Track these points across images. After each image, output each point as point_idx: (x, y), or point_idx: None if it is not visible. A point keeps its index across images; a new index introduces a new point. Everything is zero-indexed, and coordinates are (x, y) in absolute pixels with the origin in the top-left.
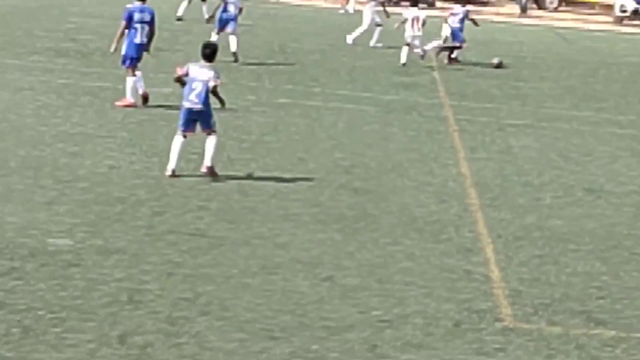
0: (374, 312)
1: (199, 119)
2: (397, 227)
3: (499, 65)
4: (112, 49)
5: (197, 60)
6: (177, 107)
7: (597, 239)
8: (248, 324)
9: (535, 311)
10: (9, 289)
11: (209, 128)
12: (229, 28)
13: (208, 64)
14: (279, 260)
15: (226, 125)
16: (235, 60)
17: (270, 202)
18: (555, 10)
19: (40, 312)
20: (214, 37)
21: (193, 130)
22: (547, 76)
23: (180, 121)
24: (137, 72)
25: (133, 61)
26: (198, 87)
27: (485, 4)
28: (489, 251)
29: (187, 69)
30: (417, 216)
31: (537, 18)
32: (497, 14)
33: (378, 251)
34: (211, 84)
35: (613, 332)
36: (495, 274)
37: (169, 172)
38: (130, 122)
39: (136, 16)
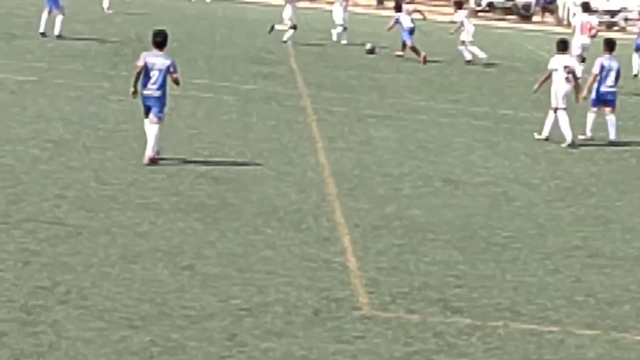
0: (234, 301)
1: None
2: (257, 217)
3: (371, 51)
4: None
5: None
6: (32, 95)
7: (455, 228)
8: (107, 312)
9: (394, 299)
10: None
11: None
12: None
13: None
14: (139, 249)
15: (82, 113)
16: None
17: (129, 191)
18: (412, 2)
19: None
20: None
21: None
22: (404, 68)
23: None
24: None
25: None
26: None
27: None
28: (347, 241)
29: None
30: (277, 205)
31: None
32: (355, 4)
33: (239, 240)
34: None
35: (469, 320)
36: (353, 263)
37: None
38: None
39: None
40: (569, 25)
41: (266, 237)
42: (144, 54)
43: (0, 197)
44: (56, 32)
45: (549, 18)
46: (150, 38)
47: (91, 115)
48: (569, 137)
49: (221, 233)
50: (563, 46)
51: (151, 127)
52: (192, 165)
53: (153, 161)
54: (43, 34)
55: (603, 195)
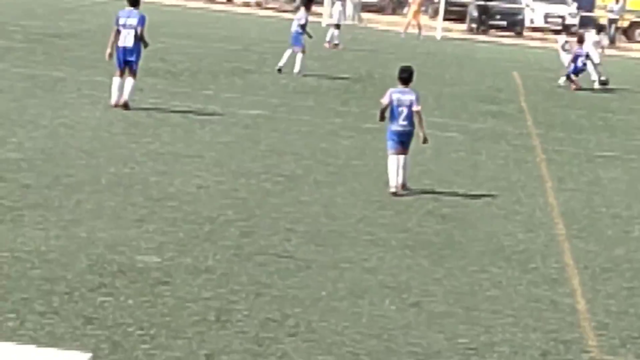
0: (461, 340)
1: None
2: (484, 255)
3: (605, 83)
4: (107, 56)
5: None
6: (265, 130)
7: None
8: (335, 346)
9: (623, 344)
10: (98, 305)
11: None
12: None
13: None
14: (366, 284)
15: (313, 148)
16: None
17: (357, 226)
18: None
19: (129, 329)
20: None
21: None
22: (636, 108)
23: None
24: (129, 78)
25: (120, 64)
26: None
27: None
28: (576, 282)
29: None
30: (505, 245)
31: (625, 50)
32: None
33: (465, 278)
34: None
35: None
36: (582, 305)
37: None
38: (218, 143)
39: (121, 20)
40: None
41: (492, 276)
42: (390, 91)
43: (233, 230)
44: (296, 70)
45: None
46: (393, 73)
47: (322, 150)
48: None
49: (447, 271)
50: None
51: (402, 160)
52: (420, 203)
53: (403, 187)
54: (279, 70)
55: None
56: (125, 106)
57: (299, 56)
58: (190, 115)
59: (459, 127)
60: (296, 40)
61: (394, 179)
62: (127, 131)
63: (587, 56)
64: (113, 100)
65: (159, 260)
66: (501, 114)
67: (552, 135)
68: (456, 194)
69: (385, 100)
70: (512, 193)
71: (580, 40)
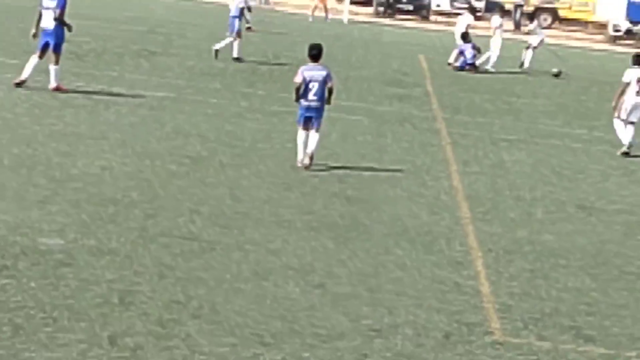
0: (365, 321)
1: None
2: (388, 237)
3: (557, 75)
4: (31, 35)
5: None
6: (171, 111)
7: (587, 255)
8: (239, 328)
9: (525, 325)
10: (0, 287)
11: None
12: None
13: None
14: (270, 266)
15: (219, 131)
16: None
17: (263, 208)
18: (549, 27)
19: (31, 312)
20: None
21: None
22: (540, 92)
23: None
24: (51, 65)
25: (41, 45)
26: None
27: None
28: (479, 264)
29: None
30: (409, 227)
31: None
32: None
33: (369, 260)
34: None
35: (602, 349)
36: (486, 287)
37: None
38: (123, 124)
39: (44, 1)
40: None
41: (397, 258)
42: (301, 69)
43: (137, 211)
44: (234, 54)
45: None
46: (300, 56)
47: (228, 132)
48: (625, 142)
49: (352, 252)
50: (637, 60)
51: (313, 136)
52: (325, 185)
53: (311, 160)
54: (236, 59)
55: None
56: (57, 89)
57: (236, 42)
58: (94, 96)
59: (365, 110)
60: (232, 25)
61: (301, 153)
62: (30, 112)
63: (474, 47)
64: (23, 76)
65: (62, 242)
66: (407, 97)
67: (457, 118)
68: (362, 177)
69: (298, 79)
70: (417, 176)
71: (464, 37)
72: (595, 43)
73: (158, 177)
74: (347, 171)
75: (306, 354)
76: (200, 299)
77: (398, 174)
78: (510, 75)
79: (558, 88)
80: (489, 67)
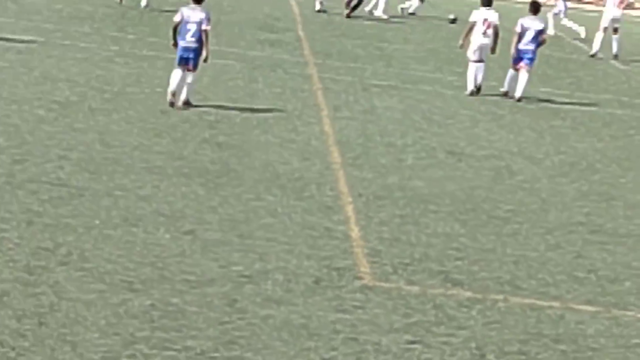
0: (235, 267)
1: None
2: (259, 183)
3: (453, 21)
4: None
5: None
6: (39, 56)
7: (457, 201)
8: (108, 275)
9: (395, 270)
10: None
11: None
12: None
13: None
14: (140, 212)
15: (88, 75)
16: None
17: (132, 154)
18: None
19: None
20: None
21: None
22: (412, 38)
23: None
24: None
25: None
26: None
27: None
28: (350, 210)
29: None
30: (280, 173)
31: None
32: None
33: (240, 206)
34: None
35: (469, 293)
36: (356, 232)
37: None
38: None
39: None
40: None
41: (268, 204)
42: (181, 9)
43: (4, 157)
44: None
45: None
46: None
47: (97, 77)
48: (470, 86)
49: (223, 199)
50: (487, 1)
51: (189, 75)
52: (196, 130)
53: (187, 103)
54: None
55: (607, 171)
56: None
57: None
58: None
59: (236, 55)
60: None
61: (173, 87)
62: None
63: None
64: None
65: None
66: (279, 42)
67: (328, 64)
68: (233, 122)
69: (177, 18)
70: (288, 121)
71: None
72: None
73: (26, 122)
74: (218, 117)
75: (175, 300)
76: (68, 245)
77: (269, 119)
78: (382, 22)
79: (429, 34)
80: (378, 12)
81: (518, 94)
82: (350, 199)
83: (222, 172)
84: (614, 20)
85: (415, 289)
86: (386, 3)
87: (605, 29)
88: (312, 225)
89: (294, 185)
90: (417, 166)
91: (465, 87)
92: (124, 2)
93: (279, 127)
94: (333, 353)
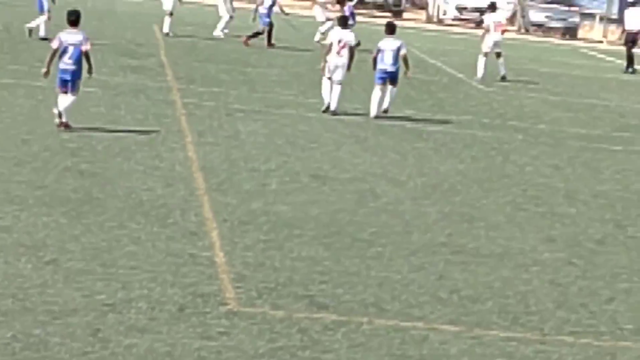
0: (98, 296)
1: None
2: (123, 211)
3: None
4: None
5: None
6: None
7: (321, 224)
8: None
9: (260, 295)
10: None
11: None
12: None
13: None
14: (1, 243)
15: None
16: None
17: None
18: None
19: None
20: None
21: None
22: (275, 63)
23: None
24: None
25: None
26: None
27: None
28: (215, 235)
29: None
30: (144, 200)
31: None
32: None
33: (103, 235)
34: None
35: (334, 316)
36: (221, 258)
37: None
38: None
39: None
40: (439, 21)
41: (131, 232)
42: (59, 34)
43: None
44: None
45: (420, 15)
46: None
47: None
48: (325, 101)
49: (85, 227)
50: (344, 21)
51: (68, 97)
52: (58, 158)
53: (67, 126)
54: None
55: (468, 192)
56: None
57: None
58: None
59: (98, 81)
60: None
61: (58, 108)
62: None
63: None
64: None
65: None
66: (141, 68)
67: (192, 89)
68: (95, 150)
69: (54, 44)
70: (151, 148)
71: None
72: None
73: None
74: (80, 144)
75: (37, 331)
76: None
77: (132, 146)
78: (245, 47)
79: (292, 58)
80: (217, 32)
81: (374, 111)
82: (215, 225)
83: (85, 200)
84: (495, 44)
85: (280, 313)
86: (227, 23)
87: (487, 53)
88: (177, 252)
89: (157, 212)
90: (281, 191)
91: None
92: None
93: (142, 154)
94: None
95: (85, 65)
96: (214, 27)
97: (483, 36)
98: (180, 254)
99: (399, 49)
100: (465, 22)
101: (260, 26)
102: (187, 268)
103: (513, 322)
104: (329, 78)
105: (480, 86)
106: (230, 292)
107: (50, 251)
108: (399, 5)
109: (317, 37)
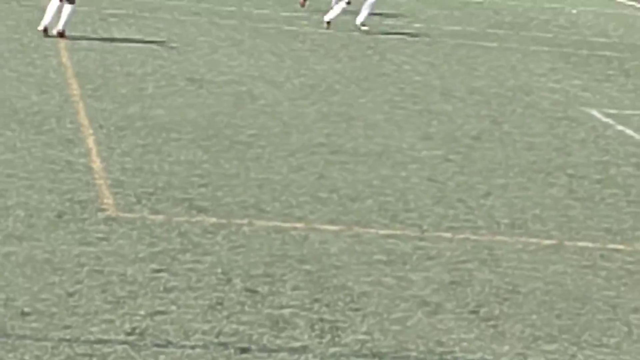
0: None
1: None
2: None
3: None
4: None
5: None
6: None
7: (199, 127)
8: None
9: (138, 200)
10: None
11: None
12: None
13: None
14: None
15: None
16: None
17: None
18: None
19: None
20: None
21: None
22: None
23: None
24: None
25: None
26: None
27: None
28: (91, 142)
29: None
30: (18, 107)
31: None
32: None
33: None
34: None
35: (214, 219)
36: (98, 164)
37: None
38: None
39: None
40: None
41: (6, 140)
42: None
43: None
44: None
45: None
46: None
47: None
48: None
49: None
50: None
51: (66, 7)
52: None
53: (62, 34)
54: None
55: (346, 92)
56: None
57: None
58: None
59: None
60: None
61: (47, 20)
62: None
63: None
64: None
65: None
66: None
67: None
68: None
69: None
70: (25, 55)
71: None
72: None
73: None
74: None
75: None
76: None
77: (5, 53)
78: None
79: None
80: None
81: None
82: (91, 131)
83: None
84: None
85: (159, 217)
86: None
87: None
88: (53, 159)
89: (32, 119)
90: (158, 95)
91: None
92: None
93: (16, 61)
94: (78, 286)
95: None
96: None
97: None
98: (57, 161)
99: None
100: None
101: None
102: (64, 175)
103: (392, 220)
104: None
105: None
106: (108, 197)
107: None
108: None
109: None
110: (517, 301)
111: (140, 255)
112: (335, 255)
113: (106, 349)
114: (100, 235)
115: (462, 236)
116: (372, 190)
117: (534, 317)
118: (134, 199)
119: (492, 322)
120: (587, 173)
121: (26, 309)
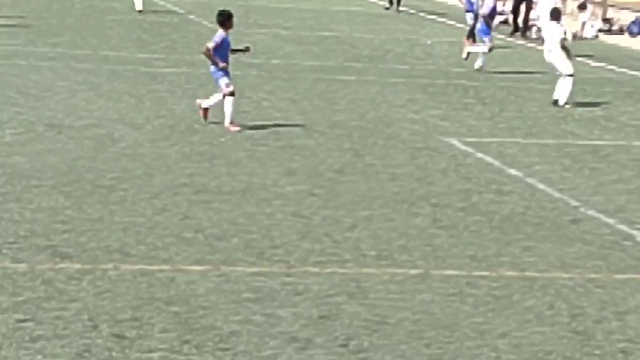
0: None
1: None
2: None
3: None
4: None
5: None
6: None
7: (60, 173)
8: None
9: (0, 250)
10: None
11: None
12: None
13: None
14: None
15: None
16: None
17: None
18: None
19: None
20: None
21: None
22: None
23: None
24: None
25: None
26: None
27: None
28: None
29: None
30: None
31: None
32: None
33: None
34: None
35: (78, 265)
36: None
37: None
38: None
39: None
40: None
41: None
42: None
43: None
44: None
45: None
46: None
47: None
48: None
49: None
50: None
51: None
52: None
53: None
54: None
55: (206, 131)
56: None
57: None
58: None
59: None
60: None
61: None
62: None
63: None
64: None
65: None
66: None
67: None
68: None
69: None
70: None
71: None
72: None
73: None
74: None
75: None
76: None
77: None
78: None
79: (18, 7)
80: None
81: None
82: None
83: None
84: None
85: (22, 266)
86: None
87: None
88: None
89: None
90: (16, 142)
91: None
92: None
93: None
94: None
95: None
96: None
97: None
98: None
99: None
100: None
101: None
102: None
103: (259, 257)
104: None
105: (211, 25)
106: None
107: None
108: None
109: None
110: (386, 332)
111: (4, 305)
112: (202, 295)
113: None
114: None
115: (329, 270)
116: (237, 228)
117: (404, 347)
118: None
119: (362, 355)
120: (450, 201)
121: None
